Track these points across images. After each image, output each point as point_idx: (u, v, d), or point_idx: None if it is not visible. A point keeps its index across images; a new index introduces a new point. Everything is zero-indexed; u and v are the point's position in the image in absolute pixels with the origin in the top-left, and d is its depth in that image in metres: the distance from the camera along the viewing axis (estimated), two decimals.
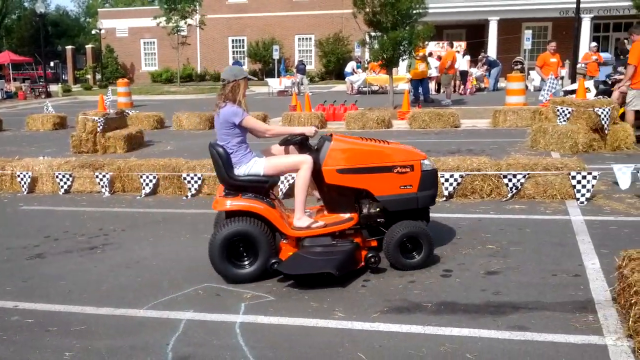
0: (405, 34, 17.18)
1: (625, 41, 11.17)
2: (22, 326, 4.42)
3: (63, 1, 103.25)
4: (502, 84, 25.25)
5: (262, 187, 5.25)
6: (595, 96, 12.14)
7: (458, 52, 25.56)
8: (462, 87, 25.57)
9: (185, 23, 35.72)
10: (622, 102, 11.25)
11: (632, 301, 3.62)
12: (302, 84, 29.03)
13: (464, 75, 26.00)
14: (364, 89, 27.10)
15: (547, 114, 11.57)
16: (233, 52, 42.99)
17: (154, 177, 8.74)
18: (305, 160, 5.19)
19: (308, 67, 36.22)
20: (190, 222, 7.24)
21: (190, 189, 8.60)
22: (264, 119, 16.56)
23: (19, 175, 9.29)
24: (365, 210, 5.33)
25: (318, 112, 15.97)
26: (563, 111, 10.90)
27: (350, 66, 29.19)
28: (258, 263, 5.04)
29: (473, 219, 6.72)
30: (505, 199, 7.50)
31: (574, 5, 20.52)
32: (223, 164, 5.18)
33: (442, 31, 33.79)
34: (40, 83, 36.21)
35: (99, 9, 51.14)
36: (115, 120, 13.97)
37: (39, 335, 4.25)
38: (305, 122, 15.02)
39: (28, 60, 45.30)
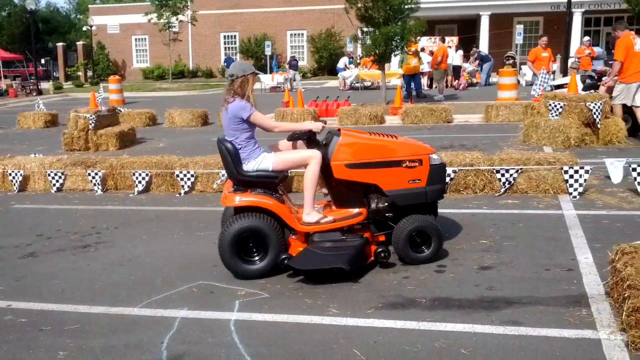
0: (397, 29, 17.17)
1: (617, 29, 11.21)
2: (15, 326, 4.39)
3: None
4: (494, 78, 25.27)
5: (272, 182, 5.26)
6: (582, 90, 12.19)
7: (450, 47, 25.58)
8: (456, 81, 25.60)
9: (177, 19, 35.56)
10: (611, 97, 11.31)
11: (625, 295, 3.63)
12: (294, 80, 29.00)
13: (457, 70, 26.03)
14: (357, 84, 27.09)
15: (539, 109, 11.60)
16: (225, 48, 42.84)
17: (147, 175, 8.71)
18: (314, 155, 5.19)
19: (300, 63, 36.17)
20: (184, 220, 7.23)
21: (183, 186, 8.57)
22: None
23: (10, 174, 9.23)
24: (373, 205, 5.34)
25: (310, 108, 15.95)
26: (555, 106, 10.93)
27: (342, 62, 29.17)
28: (268, 258, 5.04)
29: (466, 214, 6.73)
30: (498, 194, 7.52)
31: (565, 0, 20.54)
32: (232, 159, 5.17)
33: (434, 26, 33.79)
34: (31, 80, 35.98)
35: (89, 6, 50.79)
36: (107, 118, 13.91)
37: (32, 334, 4.23)
38: (298, 118, 15.00)
39: (18, 58, 44.96)
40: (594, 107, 10.45)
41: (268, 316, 4.34)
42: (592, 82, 12.54)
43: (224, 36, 42.89)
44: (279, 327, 4.17)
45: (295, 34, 41.70)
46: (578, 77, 13.35)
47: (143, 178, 8.71)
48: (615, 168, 7.24)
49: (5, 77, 40.48)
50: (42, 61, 49.02)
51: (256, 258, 5.10)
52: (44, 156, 9.85)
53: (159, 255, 5.91)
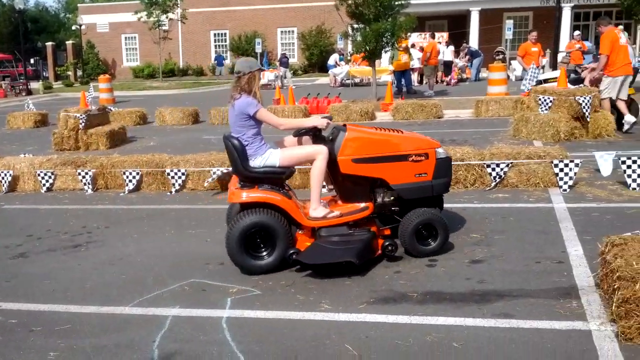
0: (387, 25, 17.17)
1: (601, 25, 11.33)
2: (6, 327, 4.37)
3: None
4: (484, 74, 25.35)
5: (279, 178, 5.29)
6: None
7: (440, 43, 25.61)
8: (447, 77, 25.65)
9: (167, 17, 35.45)
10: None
11: (615, 286, 3.65)
12: (285, 77, 28.94)
13: (449, 65, 26.08)
14: (347, 81, 27.08)
15: (529, 103, 11.63)
16: (215, 46, 42.73)
17: (137, 174, 8.68)
18: (320, 151, 5.20)
19: (291, 60, 36.09)
20: (175, 218, 7.21)
21: (174, 184, 8.55)
22: None
23: None
24: (379, 199, 5.36)
25: (301, 106, 15.94)
26: (545, 100, 10.97)
27: (333, 59, 29.13)
28: (276, 254, 5.06)
29: (457, 208, 6.74)
30: (488, 188, 7.54)
31: None
32: (239, 155, 5.17)
33: (424, 22, 33.81)
34: (21, 80, 35.73)
35: (78, 5, 50.51)
36: (98, 117, 13.85)
37: (23, 335, 4.21)
38: (289, 115, 14.98)
39: (7, 58, 44.73)
40: (583, 101, 10.49)
41: (260, 313, 4.33)
42: (577, 77, 12.59)
43: (214, 34, 42.77)
44: (271, 323, 4.17)
45: (285, 31, 41.63)
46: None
47: (134, 177, 8.68)
48: (605, 161, 7.27)
49: None
50: (32, 61, 48.69)
51: (264, 253, 5.11)
52: (33, 156, 9.80)
53: (150, 253, 5.89)
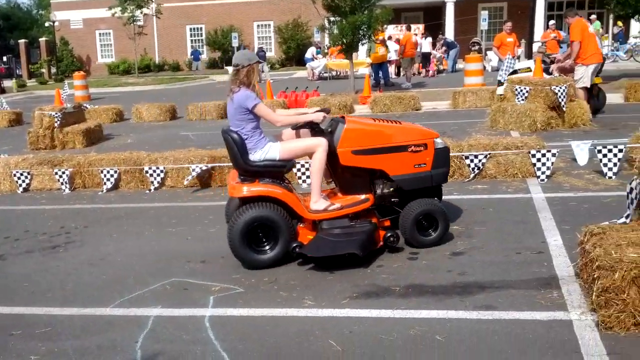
0: (364, 18, 17.17)
1: (568, 16, 11.56)
2: None
3: None
4: (460, 65, 25.46)
5: (279, 171, 5.29)
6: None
7: (416, 34, 25.67)
8: (424, 69, 25.71)
9: (142, 12, 35.04)
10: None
11: (595, 275, 3.70)
12: (262, 72, 28.77)
13: (427, 57, 26.17)
14: (325, 74, 27.04)
15: (506, 94, 11.71)
16: (191, 40, 42.41)
17: (115, 172, 8.59)
18: (320, 143, 5.19)
19: (268, 54, 35.95)
20: (154, 216, 7.15)
21: (152, 182, 8.48)
22: (226, 108, 16.42)
23: None
24: (379, 191, 5.38)
25: (280, 99, 15.89)
26: (521, 90, 11.05)
27: (310, 52, 29.07)
28: (279, 247, 5.06)
29: None
30: (467, 179, 7.59)
31: None
32: (238, 149, 5.15)
33: (400, 14, 33.85)
34: None
35: (51, 1, 49.69)
36: (73, 115, 13.68)
37: (2, 339, 4.14)
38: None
39: None
40: (559, 90, 10.59)
41: (243, 311, 4.32)
42: (546, 67, 12.74)
43: (190, 28, 42.44)
44: (254, 321, 4.16)
45: (262, 25, 41.44)
46: (531, 62, 13.52)
47: (111, 175, 8.59)
48: (581, 150, 7.36)
49: None
50: (4, 59, 47.98)
51: (267, 247, 5.11)
52: (9, 156, 9.64)
53: (130, 253, 5.84)
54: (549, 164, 7.32)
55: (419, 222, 5.22)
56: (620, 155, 7.13)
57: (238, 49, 32.65)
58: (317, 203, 5.24)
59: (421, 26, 29.61)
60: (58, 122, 12.83)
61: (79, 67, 40.20)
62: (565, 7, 33.89)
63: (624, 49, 27.33)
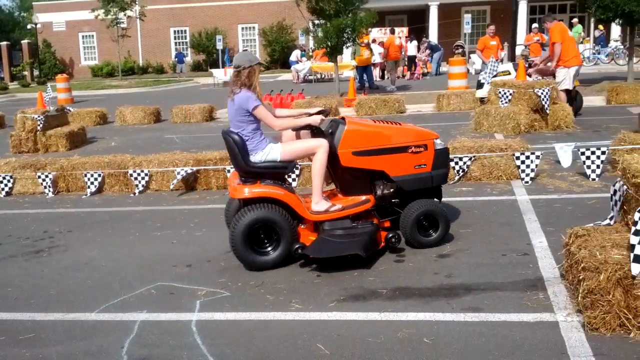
0: (348, 21, 17.21)
1: (546, 21, 11.76)
2: None
3: None
4: (444, 68, 25.61)
5: (281, 172, 5.30)
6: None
7: (400, 37, 25.78)
8: (409, 72, 25.81)
9: (125, 15, 34.84)
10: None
11: (580, 277, 3.72)
12: None
13: (413, 60, 26.28)
14: (310, 77, 27.06)
15: (490, 97, 11.79)
16: (175, 43, 42.24)
17: (99, 175, 8.52)
18: (321, 144, 5.19)
19: None
20: (139, 220, 7.10)
21: (137, 185, 8.42)
22: (211, 111, 16.38)
23: None
24: (379, 192, 5.39)
25: (265, 102, 15.81)
26: (504, 93, 11.13)
27: (294, 55, 29.07)
28: (281, 249, 5.05)
29: None
30: (452, 182, 7.62)
31: None
32: (239, 151, 5.14)
33: (384, 17, 33.99)
34: None
35: (33, 3, 49.26)
36: (56, 118, 13.55)
37: None
38: None
39: None
40: (542, 93, 10.68)
41: (230, 315, 4.30)
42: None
43: (174, 31, 42.28)
44: (241, 325, 4.14)
45: (246, 28, 41.39)
46: (510, 65, 13.65)
47: (95, 179, 8.52)
48: (565, 152, 7.43)
49: None
50: None
51: (269, 249, 5.10)
52: None
53: (115, 257, 5.79)
54: (533, 166, 7.37)
55: (419, 223, 5.25)
56: (603, 157, 7.20)
57: (223, 51, 32.64)
58: (319, 204, 5.25)
59: (405, 29, 29.73)
60: (41, 125, 12.71)
61: (62, 70, 39.94)
62: (548, 11, 34.28)
63: (605, 53, 27.66)
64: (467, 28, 27.05)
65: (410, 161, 5.37)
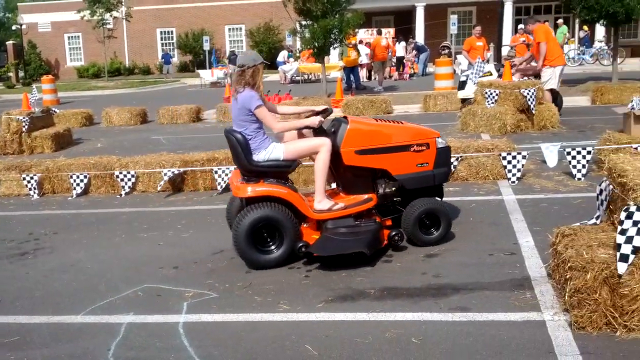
0: (335, 22, 17.23)
1: (529, 24, 11.94)
2: None
3: None
4: (430, 68, 25.67)
5: (284, 171, 5.30)
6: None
7: (386, 38, 25.85)
8: (396, 72, 25.88)
9: (111, 16, 34.65)
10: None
11: (567, 276, 3.74)
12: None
13: (401, 60, 26.36)
14: (297, 78, 27.05)
15: (476, 97, 11.84)
16: (162, 44, 42.06)
17: (85, 177, 8.46)
18: (324, 143, 5.19)
19: None
20: (126, 221, 7.05)
21: (123, 187, 8.37)
22: (198, 112, 16.33)
23: None
24: (381, 190, 5.40)
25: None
26: (491, 94, 11.18)
27: (282, 55, 29.06)
28: (284, 247, 5.05)
29: None
30: None
31: None
32: (242, 150, 5.13)
33: (370, 18, 34.06)
34: None
35: (18, 4, 48.89)
36: (42, 119, 13.44)
37: None
38: None
39: None
40: (528, 93, 10.74)
41: (217, 316, 4.28)
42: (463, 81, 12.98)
43: (161, 32, 42.10)
44: (229, 326, 4.12)
45: (233, 28, 41.30)
46: (492, 66, 13.74)
47: (81, 180, 8.45)
48: (551, 152, 7.47)
49: None
50: None
51: (272, 247, 5.10)
52: None
53: (101, 259, 5.75)
54: (519, 166, 7.40)
55: (421, 221, 5.27)
56: (588, 157, 7.25)
57: (210, 52, 32.54)
58: (322, 203, 5.25)
59: (392, 30, 29.81)
60: (26, 127, 12.60)
61: (48, 71, 39.65)
62: (533, 12, 34.52)
63: (590, 53, 27.88)
64: (453, 29, 27.16)
65: (412, 160, 5.39)
